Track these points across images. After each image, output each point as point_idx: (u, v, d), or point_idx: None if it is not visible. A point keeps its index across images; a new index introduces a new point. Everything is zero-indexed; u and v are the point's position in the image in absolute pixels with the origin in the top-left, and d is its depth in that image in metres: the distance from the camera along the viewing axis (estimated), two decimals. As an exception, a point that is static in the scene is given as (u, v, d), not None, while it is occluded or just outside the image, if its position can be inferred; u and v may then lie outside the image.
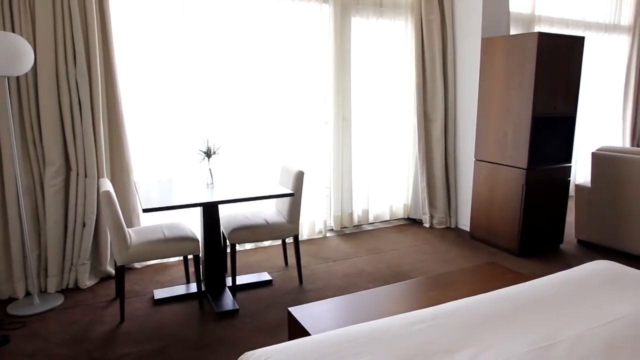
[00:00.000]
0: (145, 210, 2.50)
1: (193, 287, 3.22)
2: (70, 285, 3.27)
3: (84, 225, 3.24)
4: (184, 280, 3.41)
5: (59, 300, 3.07)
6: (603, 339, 1.56)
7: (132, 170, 3.49)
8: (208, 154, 3.10)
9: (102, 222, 3.33)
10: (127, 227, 3.30)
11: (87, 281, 3.30)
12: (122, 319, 2.82)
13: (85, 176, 3.22)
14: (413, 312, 1.79)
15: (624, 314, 1.72)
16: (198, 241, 2.92)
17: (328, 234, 4.52)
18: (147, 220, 3.64)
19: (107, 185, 2.78)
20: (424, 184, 4.67)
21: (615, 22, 5.96)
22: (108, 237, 3.36)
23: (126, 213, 3.47)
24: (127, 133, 3.43)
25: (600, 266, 2.23)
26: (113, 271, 3.44)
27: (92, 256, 3.36)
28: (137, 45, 3.50)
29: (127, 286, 3.29)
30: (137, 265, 3.63)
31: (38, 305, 2.97)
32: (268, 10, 3.90)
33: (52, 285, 3.19)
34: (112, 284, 3.35)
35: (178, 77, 3.67)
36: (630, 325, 1.65)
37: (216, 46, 3.77)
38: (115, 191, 3.35)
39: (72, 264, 3.26)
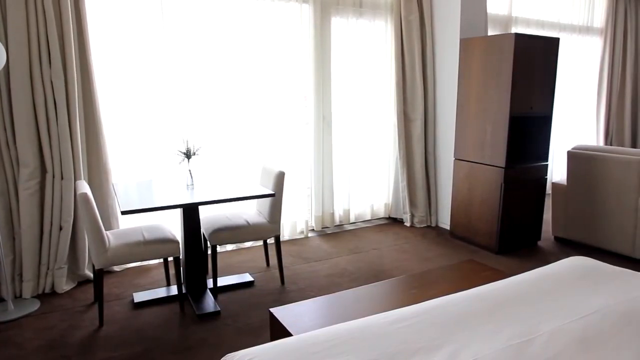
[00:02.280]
0: (124, 213, 2.47)
1: (174, 290, 3.19)
2: (47, 290, 3.21)
3: (60, 229, 3.18)
4: (165, 282, 3.37)
5: (34, 306, 3.00)
6: (577, 333, 1.60)
7: (110, 172, 3.44)
8: (188, 154, 3.07)
9: (79, 225, 3.28)
10: (106, 230, 3.24)
11: (65, 285, 3.24)
12: (101, 323, 2.78)
13: (62, 178, 3.16)
14: (394, 310, 1.80)
15: (597, 308, 1.77)
16: (178, 243, 2.89)
17: (309, 234, 4.52)
18: (126, 223, 3.59)
19: (84, 187, 2.73)
20: (405, 183, 4.71)
21: (588, 24, 6.10)
22: (86, 240, 3.31)
23: (104, 215, 3.41)
24: (104, 134, 3.38)
25: (575, 262, 2.28)
26: (91, 275, 3.38)
27: (69, 260, 3.30)
28: (115, 45, 3.45)
29: (106, 290, 3.24)
30: (116, 268, 3.58)
31: (13, 312, 2.90)
32: (248, 10, 3.89)
33: (27, 290, 3.12)
34: (90, 288, 3.29)
35: (157, 77, 3.62)
36: (602, 319, 1.69)
37: (195, 46, 3.74)
38: (93, 193, 3.29)
39: (48, 269, 3.19)
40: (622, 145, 6.57)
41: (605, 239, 3.91)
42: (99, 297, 2.76)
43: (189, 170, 3.20)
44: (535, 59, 3.79)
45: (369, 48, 4.57)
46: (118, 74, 3.50)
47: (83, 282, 3.39)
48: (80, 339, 2.62)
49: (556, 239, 4.37)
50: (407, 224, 4.78)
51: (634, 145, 6.73)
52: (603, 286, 1.99)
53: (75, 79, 3.14)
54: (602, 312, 1.74)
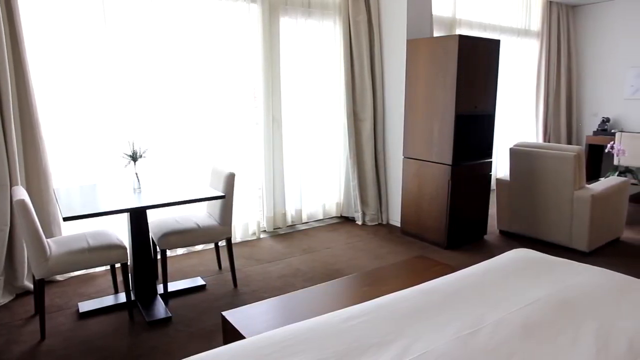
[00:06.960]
0: (66, 219, 2.35)
1: (122, 297, 3.08)
2: (-18, 304, 3.02)
3: (-4, 238, 2.99)
4: (112, 290, 3.25)
5: (-32, 321, 2.81)
6: (520, 321, 1.68)
7: (50, 177, 3.27)
8: (134, 157, 2.97)
9: (17, 234, 3.10)
10: (47, 238, 3.08)
11: (1, 299, 3.05)
12: (43, 337, 2.64)
13: (-4, 184, 2.97)
14: (346, 308, 1.82)
15: (538, 297, 1.86)
16: (126, 248, 2.79)
17: (262, 235, 4.49)
18: (69, 230, 3.42)
19: (21, 193, 2.58)
20: (356, 182, 4.76)
21: (526, 28, 6.40)
22: (25, 249, 3.13)
23: (45, 223, 3.24)
24: (43, 137, 3.21)
25: (518, 254, 2.39)
26: (31, 286, 3.20)
27: (6, 271, 3.11)
28: (53, 43, 3.28)
29: (48, 300, 3.08)
30: (59, 277, 3.41)
31: (-56, 328, 2.71)
32: (194, 9, 3.81)
33: (-40, 304, 2.92)
34: (30, 300, 3.12)
35: (100, 77, 3.48)
36: (542, 307, 1.78)
37: (140, 46, 3.62)
38: (32, 199, 3.11)
39: (-17, 280, 3.00)
40: (559, 142, 6.96)
41: (545, 231, 4.12)
42: (40, 308, 2.62)
43: (136, 173, 3.09)
44: (478, 60, 3.93)
45: (318, 48, 4.59)
46: (57, 73, 3.33)
47: (22, 294, 3.21)
48: (20, 355, 2.47)
49: (501, 232, 4.56)
50: (359, 222, 4.84)
51: (569, 142, 7.15)
52: (543, 276, 2.10)
53: (9, 77, 2.96)
54: (542, 300, 1.83)
